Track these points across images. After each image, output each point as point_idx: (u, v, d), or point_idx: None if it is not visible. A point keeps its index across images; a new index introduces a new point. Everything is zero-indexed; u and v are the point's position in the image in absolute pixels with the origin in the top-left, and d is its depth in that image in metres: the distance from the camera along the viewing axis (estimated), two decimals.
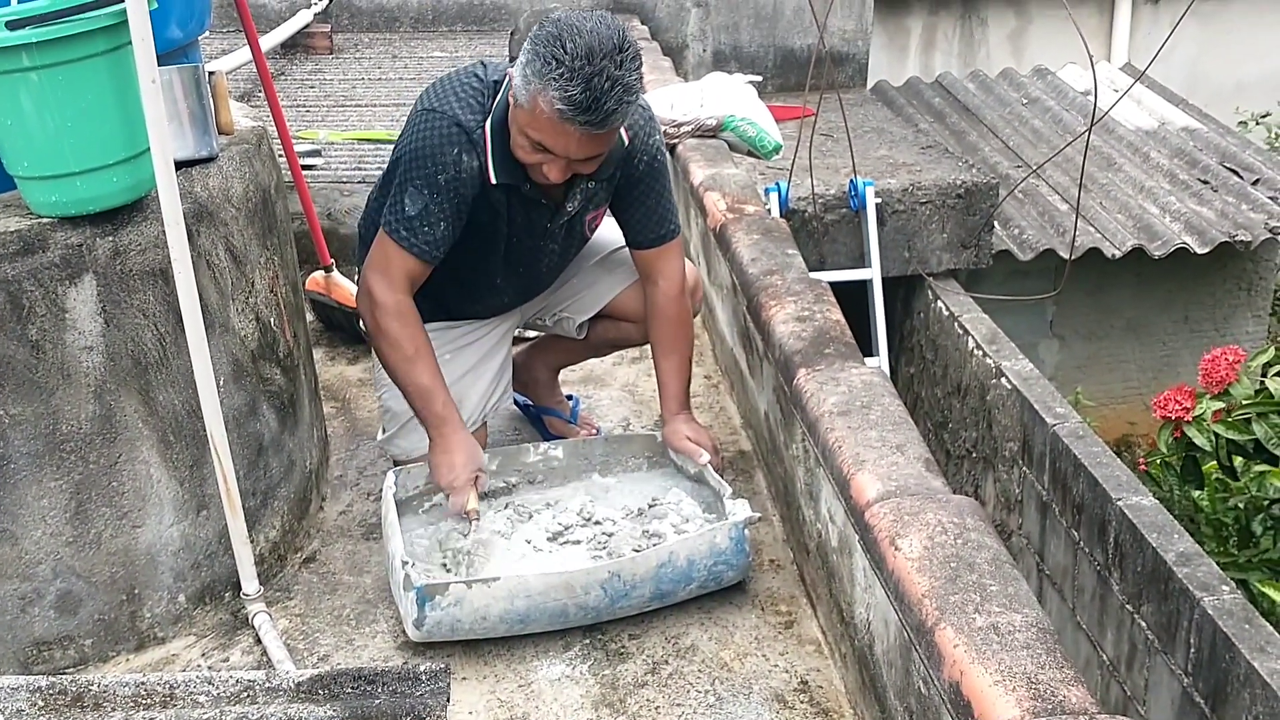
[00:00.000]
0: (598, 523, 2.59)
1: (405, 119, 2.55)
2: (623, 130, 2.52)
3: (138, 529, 2.32)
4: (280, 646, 2.34)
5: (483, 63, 2.55)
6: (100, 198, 2.16)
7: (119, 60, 2.09)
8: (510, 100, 2.38)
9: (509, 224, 2.59)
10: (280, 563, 2.62)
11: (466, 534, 2.54)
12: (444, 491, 2.57)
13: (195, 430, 2.34)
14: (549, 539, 2.56)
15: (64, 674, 2.23)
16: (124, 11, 2.03)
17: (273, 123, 3.32)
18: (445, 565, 2.50)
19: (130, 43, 2.04)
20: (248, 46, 3.42)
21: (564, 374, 3.23)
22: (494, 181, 2.46)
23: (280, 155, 3.13)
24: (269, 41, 5.41)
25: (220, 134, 2.48)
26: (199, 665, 2.34)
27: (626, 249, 2.76)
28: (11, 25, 2.02)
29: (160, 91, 2.07)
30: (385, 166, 2.63)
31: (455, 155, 2.44)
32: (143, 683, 1.77)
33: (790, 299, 2.77)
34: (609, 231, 2.81)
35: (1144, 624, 3.19)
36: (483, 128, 2.44)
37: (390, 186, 2.53)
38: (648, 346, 2.86)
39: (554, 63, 2.22)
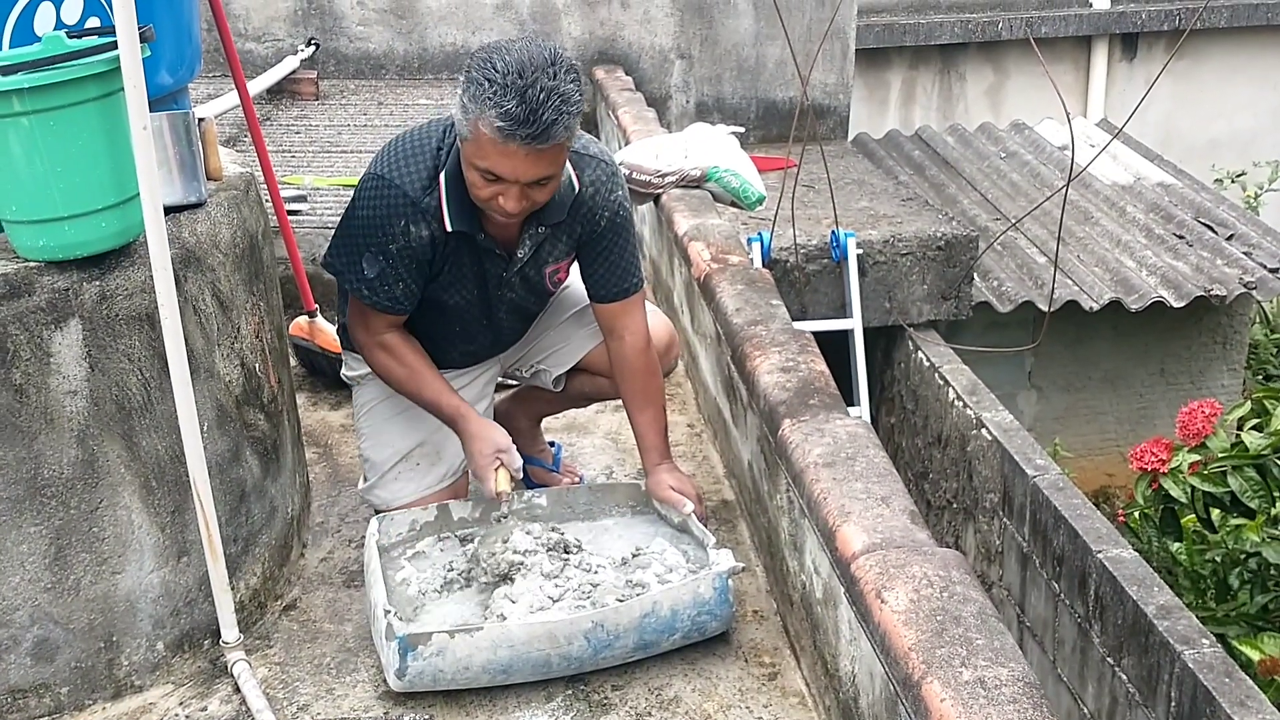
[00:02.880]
0: (585, 568, 2.57)
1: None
2: (575, 177, 2.55)
3: (118, 575, 2.30)
4: (260, 696, 2.31)
5: (435, 120, 2.56)
6: (88, 243, 2.16)
7: (110, 106, 2.10)
8: (459, 141, 2.39)
9: (467, 275, 2.61)
10: (260, 610, 2.59)
11: (500, 515, 2.61)
12: (487, 460, 2.61)
13: (178, 476, 2.32)
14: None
15: None
16: (117, 58, 2.04)
17: (259, 167, 3.33)
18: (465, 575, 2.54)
19: (122, 89, 2.05)
20: (234, 91, 3.44)
21: (546, 421, 3.23)
22: (449, 229, 2.48)
23: (266, 200, 3.14)
24: (255, 87, 5.43)
25: (209, 180, 2.49)
26: (177, 715, 2.31)
27: None
28: (4, 70, 2.02)
29: (151, 138, 2.08)
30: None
31: (403, 227, 2.48)
32: None
33: (775, 349, 2.79)
34: (581, 286, 2.82)
35: (1125, 677, 3.20)
36: (436, 183, 2.46)
37: (347, 245, 2.56)
38: None
39: (487, 83, 2.24)
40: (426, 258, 2.53)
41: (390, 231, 2.48)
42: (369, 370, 2.74)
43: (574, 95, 2.28)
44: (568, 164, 2.50)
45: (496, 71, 2.23)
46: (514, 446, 2.65)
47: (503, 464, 2.60)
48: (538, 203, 2.43)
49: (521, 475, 2.69)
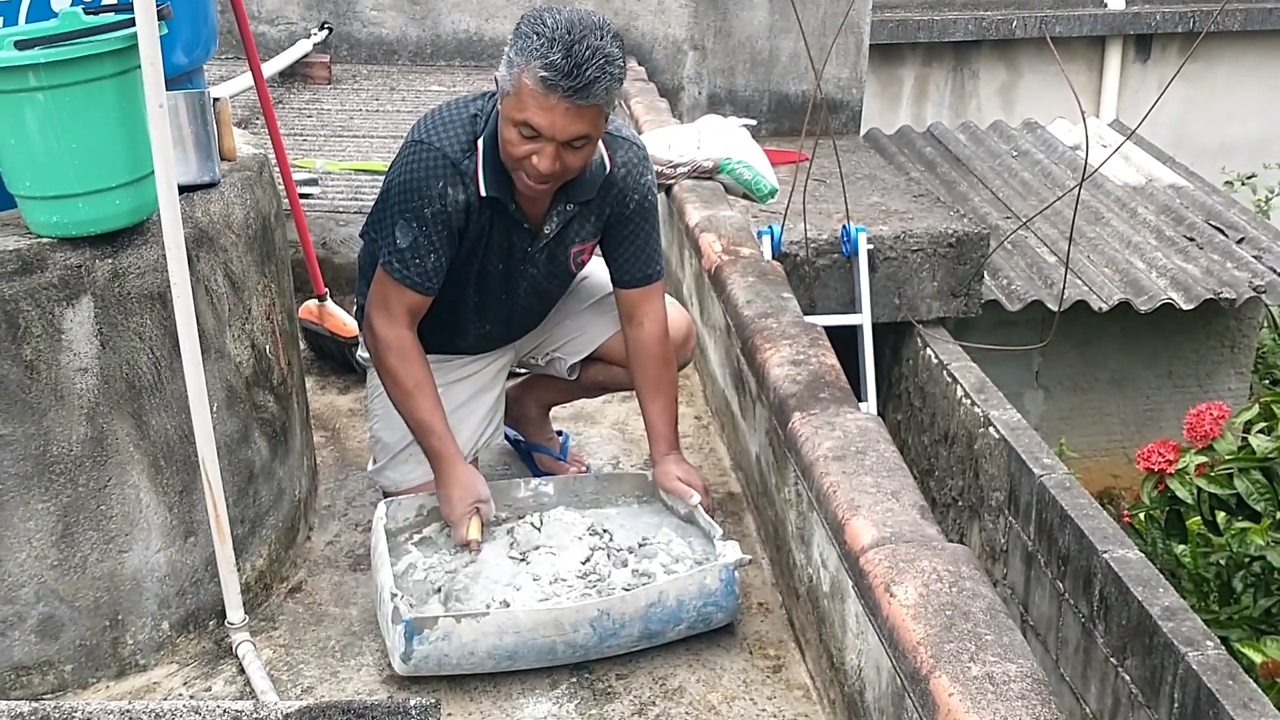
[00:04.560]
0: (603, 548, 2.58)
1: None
2: (608, 157, 2.56)
3: (124, 554, 2.30)
4: (264, 677, 2.31)
5: (472, 94, 2.59)
6: (101, 220, 2.16)
7: (126, 84, 2.10)
8: (499, 106, 2.41)
9: (494, 247, 2.60)
10: (266, 592, 2.59)
11: (466, 565, 2.53)
12: (459, 508, 2.57)
13: (186, 455, 2.32)
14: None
15: (43, 700, 2.21)
16: (134, 36, 2.03)
17: (272, 149, 3.32)
18: (439, 589, 2.48)
19: (138, 67, 2.05)
20: (248, 73, 3.44)
21: (554, 410, 3.23)
22: (484, 194, 2.49)
23: (278, 183, 3.13)
24: (268, 70, 5.40)
25: (222, 160, 2.49)
26: (181, 694, 2.31)
27: None
28: (20, 45, 2.01)
29: (167, 116, 2.07)
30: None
31: (441, 189, 2.47)
32: (128, 710, 1.75)
33: (785, 342, 2.78)
34: (602, 275, 2.81)
35: (1128, 678, 3.19)
36: (474, 148, 2.48)
37: (382, 216, 2.56)
38: None
39: (535, 36, 2.28)
40: (459, 225, 2.52)
41: (428, 194, 2.47)
42: None
43: (618, 58, 2.32)
44: (600, 144, 2.50)
45: (546, 26, 2.28)
46: (492, 499, 2.61)
47: (479, 513, 2.57)
48: (570, 168, 2.42)
49: (494, 524, 2.64)
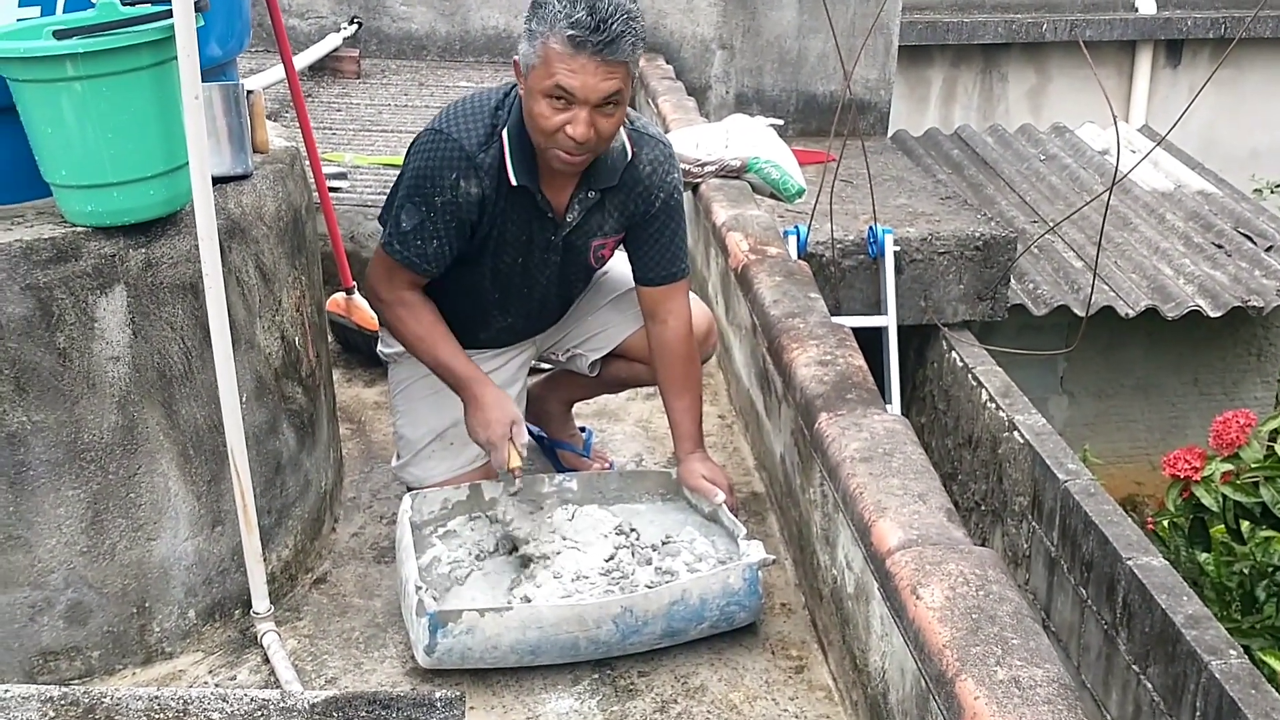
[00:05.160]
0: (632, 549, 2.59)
1: None
2: (631, 148, 2.57)
3: (152, 542, 2.31)
4: (288, 667, 2.33)
5: (495, 86, 2.61)
6: (136, 209, 2.17)
7: (162, 75, 2.11)
8: (521, 89, 2.42)
9: (512, 239, 2.61)
10: (291, 582, 2.61)
11: (513, 491, 2.57)
12: (484, 449, 2.59)
13: (215, 445, 2.34)
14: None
15: (71, 685, 2.22)
16: (171, 27, 2.04)
17: (303, 143, 3.33)
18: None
19: (174, 58, 2.06)
20: (278, 66, 3.45)
21: (577, 407, 3.23)
22: (514, 183, 2.50)
23: (309, 176, 3.14)
24: (298, 63, 5.44)
25: (255, 152, 2.50)
26: (206, 682, 2.33)
27: None
28: (58, 35, 2.03)
29: (202, 107, 2.09)
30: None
31: (453, 180, 2.49)
32: (156, 697, 1.76)
33: (813, 342, 2.78)
34: (624, 271, 2.82)
35: (1150, 685, 3.18)
36: (496, 139, 2.49)
37: (392, 199, 2.61)
38: None
39: (556, 2, 2.30)
40: (471, 218, 2.53)
41: (439, 184, 2.49)
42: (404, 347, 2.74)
43: (638, 15, 2.35)
44: (621, 132, 2.50)
45: None
46: (522, 418, 2.63)
47: (513, 437, 2.58)
48: (604, 136, 2.42)
49: (527, 450, 2.65)
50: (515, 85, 2.49)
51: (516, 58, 2.42)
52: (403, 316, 2.64)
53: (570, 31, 2.28)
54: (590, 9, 2.28)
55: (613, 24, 2.29)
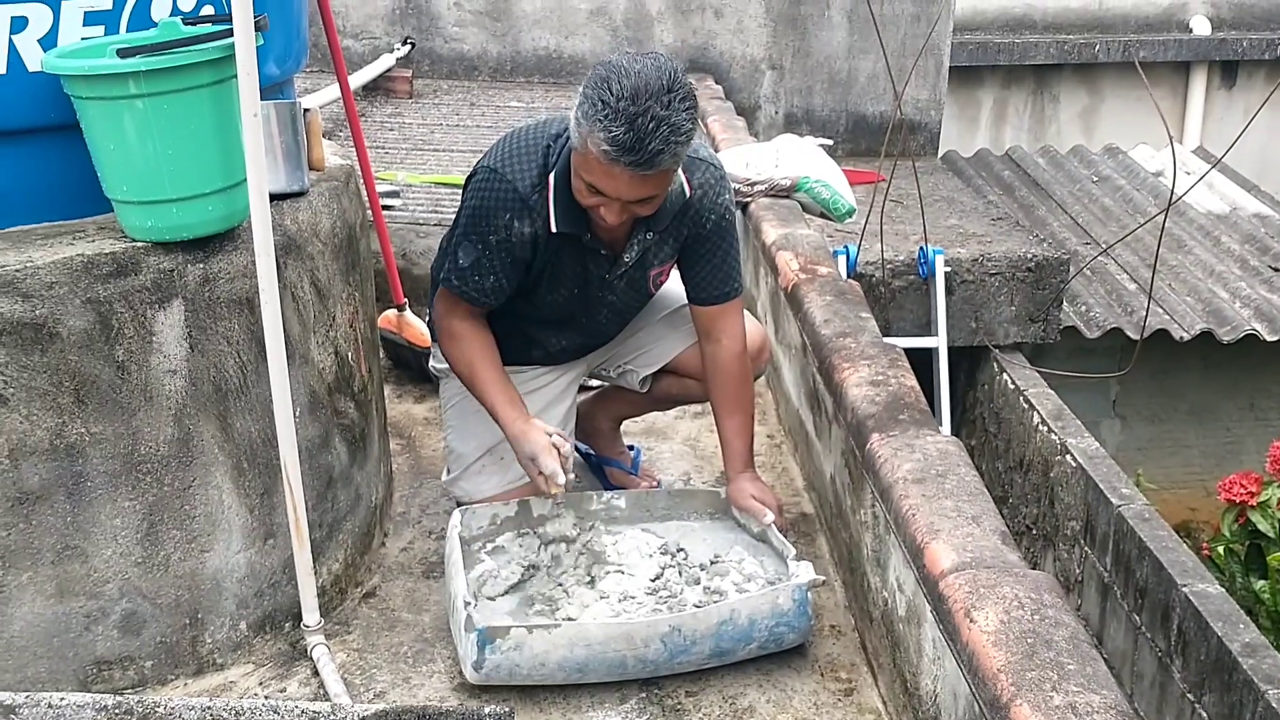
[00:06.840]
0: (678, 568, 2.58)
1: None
2: (686, 182, 2.56)
3: (206, 554, 2.34)
4: (338, 680, 2.33)
5: (551, 119, 2.60)
6: (195, 225, 2.20)
7: (222, 93, 2.14)
8: (570, 148, 2.42)
9: (568, 274, 2.62)
10: (341, 596, 2.62)
11: (559, 501, 2.59)
12: (531, 465, 2.56)
13: (269, 459, 2.36)
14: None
15: (124, 695, 2.24)
16: (231, 46, 2.07)
17: (357, 161, 3.37)
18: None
19: (234, 76, 2.09)
20: (334, 85, 3.49)
21: (625, 425, 3.23)
22: (554, 230, 2.51)
23: (363, 194, 3.17)
24: (352, 83, 5.49)
25: (311, 170, 2.53)
26: (256, 694, 2.34)
27: None
28: (122, 53, 2.06)
29: (260, 125, 2.11)
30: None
31: (507, 220, 2.51)
32: (209, 707, 1.78)
33: (864, 362, 2.76)
34: (676, 287, 2.82)
35: (1205, 714, 3.12)
36: (545, 181, 2.49)
37: (452, 234, 2.64)
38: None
39: (600, 104, 2.25)
40: (525, 256, 2.55)
41: (494, 223, 2.51)
42: None
43: (684, 125, 2.28)
44: (679, 169, 2.50)
45: (611, 94, 2.24)
46: (568, 437, 2.63)
47: (557, 448, 2.55)
48: (640, 215, 2.45)
49: (575, 469, 2.64)
50: (568, 126, 2.47)
51: (569, 117, 2.38)
52: (451, 351, 2.68)
53: (606, 146, 2.25)
54: (630, 124, 2.23)
55: (651, 143, 2.24)
